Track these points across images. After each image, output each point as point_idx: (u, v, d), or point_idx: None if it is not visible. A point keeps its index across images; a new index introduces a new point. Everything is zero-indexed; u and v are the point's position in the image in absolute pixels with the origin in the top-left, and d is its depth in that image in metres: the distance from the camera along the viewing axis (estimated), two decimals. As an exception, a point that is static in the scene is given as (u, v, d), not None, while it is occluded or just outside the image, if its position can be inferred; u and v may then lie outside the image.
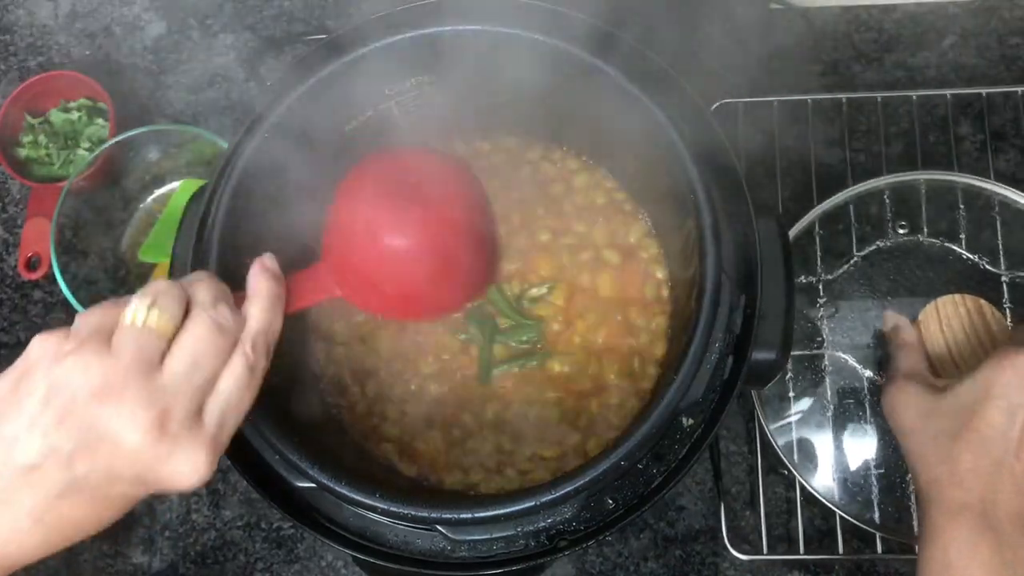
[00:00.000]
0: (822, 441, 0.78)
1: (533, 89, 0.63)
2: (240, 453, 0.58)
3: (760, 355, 0.57)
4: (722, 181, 0.59)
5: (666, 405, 0.53)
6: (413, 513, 0.53)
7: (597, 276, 0.70)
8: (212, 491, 0.85)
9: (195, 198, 0.64)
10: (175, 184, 0.91)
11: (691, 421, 0.56)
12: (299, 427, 0.58)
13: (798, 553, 0.77)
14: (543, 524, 0.54)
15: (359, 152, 0.60)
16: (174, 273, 0.62)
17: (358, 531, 0.57)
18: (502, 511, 0.52)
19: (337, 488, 0.54)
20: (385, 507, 0.53)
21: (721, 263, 0.56)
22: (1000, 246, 0.80)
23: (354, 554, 0.56)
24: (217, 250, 0.58)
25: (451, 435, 0.67)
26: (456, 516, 0.52)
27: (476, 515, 0.52)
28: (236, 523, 0.84)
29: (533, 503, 0.52)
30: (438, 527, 0.53)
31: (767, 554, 0.78)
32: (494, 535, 0.54)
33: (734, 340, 0.57)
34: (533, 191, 0.73)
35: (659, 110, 0.59)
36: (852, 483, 0.77)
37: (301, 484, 0.57)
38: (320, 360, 0.70)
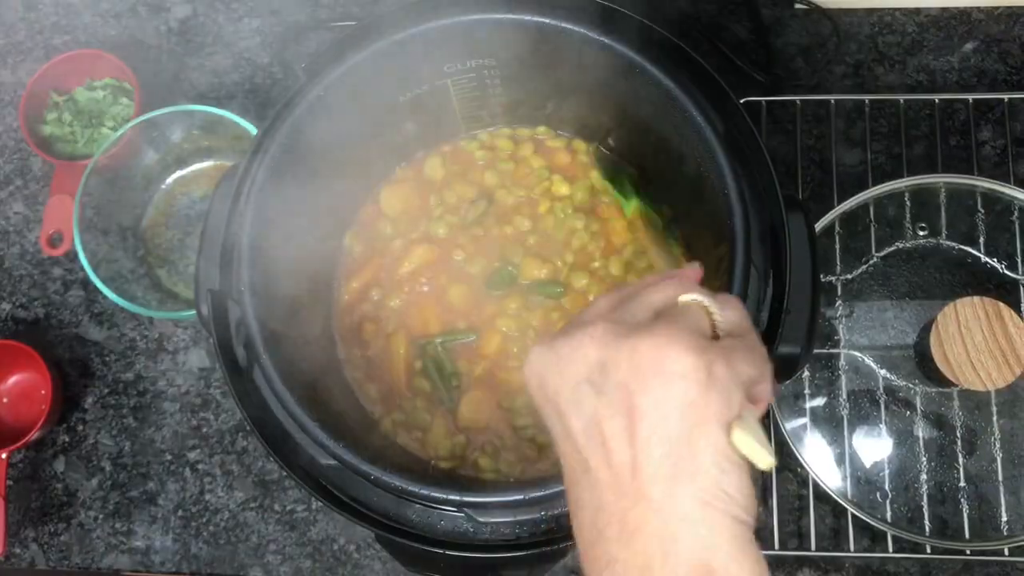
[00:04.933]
0: (835, 439, 0.78)
1: (571, 81, 0.64)
2: (266, 429, 0.58)
3: (785, 349, 0.57)
4: (752, 173, 0.59)
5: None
6: (441, 495, 0.53)
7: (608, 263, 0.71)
8: (226, 472, 0.85)
9: (225, 178, 0.65)
10: (197, 166, 0.92)
11: (715, 412, 0.56)
12: (323, 404, 0.59)
13: (809, 550, 0.78)
14: (568, 509, 0.54)
15: (409, 124, 0.60)
16: (203, 249, 0.62)
17: (381, 511, 0.57)
18: (529, 495, 0.52)
19: (363, 468, 0.55)
20: (413, 488, 0.54)
21: (750, 255, 0.56)
22: (1019, 250, 0.80)
23: (377, 532, 0.56)
24: (250, 225, 0.59)
25: (471, 418, 0.67)
26: (483, 499, 0.53)
27: (503, 498, 0.53)
28: (249, 504, 0.85)
29: (560, 488, 0.52)
30: (465, 509, 0.53)
31: (778, 550, 0.78)
32: (519, 518, 0.54)
33: (760, 334, 0.57)
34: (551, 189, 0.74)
35: (689, 100, 0.60)
36: (865, 481, 0.78)
37: (325, 462, 0.57)
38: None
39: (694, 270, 0.49)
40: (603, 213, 0.73)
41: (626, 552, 0.40)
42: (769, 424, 0.80)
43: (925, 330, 0.76)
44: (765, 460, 0.40)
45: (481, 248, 0.72)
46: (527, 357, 0.44)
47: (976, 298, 0.74)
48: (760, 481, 0.81)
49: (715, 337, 0.43)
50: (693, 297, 0.44)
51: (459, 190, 0.74)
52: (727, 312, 0.44)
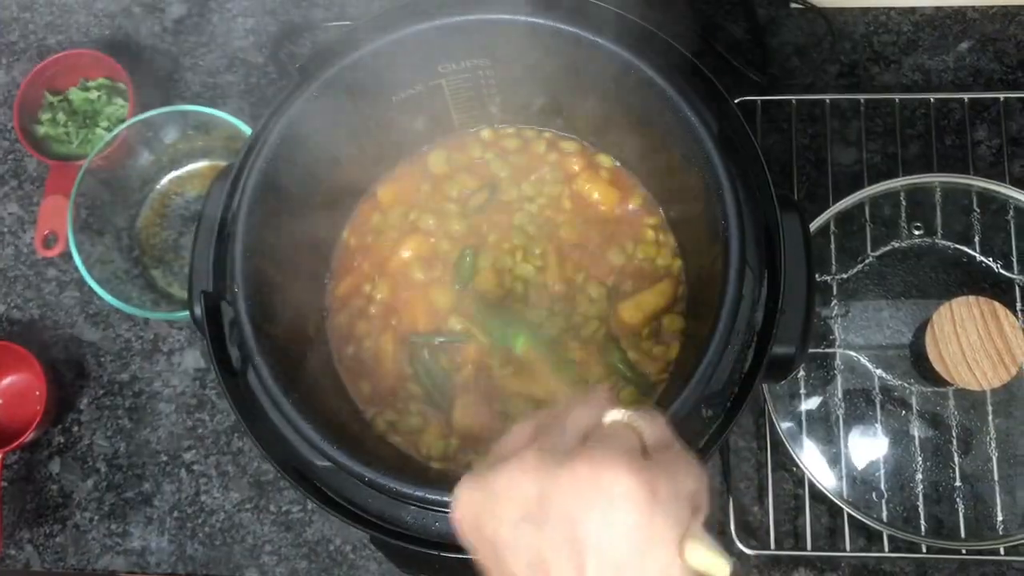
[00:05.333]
0: (831, 439, 0.78)
1: (565, 81, 0.64)
2: (260, 431, 0.58)
3: (780, 349, 0.57)
4: (747, 174, 0.59)
5: (688, 395, 0.54)
6: (436, 497, 0.53)
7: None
8: (222, 473, 0.85)
9: (218, 179, 0.65)
10: (192, 166, 0.92)
11: (710, 412, 0.56)
12: (318, 405, 0.59)
13: (805, 549, 0.78)
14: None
15: (404, 123, 0.61)
16: (196, 250, 0.62)
17: (376, 512, 0.57)
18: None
19: (357, 469, 0.55)
20: (407, 490, 0.54)
21: (744, 256, 0.56)
22: (1014, 250, 0.80)
23: (372, 534, 0.56)
24: (243, 228, 0.58)
25: (466, 416, 0.67)
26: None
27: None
28: (245, 505, 0.85)
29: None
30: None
31: (774, 549, 0.78)
32: (514, 519, 0.54)
33: (755, 333, 0.57)
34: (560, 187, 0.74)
35: (684, 100, 0.60)
36: (860, 481, 0.78)
37: (320, 463, 0.57)
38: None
39: (604, 390, 0.47)
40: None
41: None
42: (764, 423, 0.80)
43: (921, 330, 0.76)
44: (723, 568, 0.39)
45: (473, 242, 0.72)
46: (455, 496, 0.42)
47: (971, 297, 0.74)
48: (757, 480, 0.81)
49: (645, 454, 0.42)
50: (619, 415, 0.43)
51: (462, 182, 0.74)
52: (653, 427, 0.43)
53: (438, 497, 0.53)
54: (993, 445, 0.76)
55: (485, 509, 0.41)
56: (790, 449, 0.77)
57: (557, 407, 0.45)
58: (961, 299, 0.74)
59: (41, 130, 0.91)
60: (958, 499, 0.76)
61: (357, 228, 0.74)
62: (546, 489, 0.39)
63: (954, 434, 0.77)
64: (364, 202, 0.74)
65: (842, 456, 0.78)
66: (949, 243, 0.81)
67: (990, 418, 0.77)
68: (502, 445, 0.44)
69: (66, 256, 0.88)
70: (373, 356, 0.70)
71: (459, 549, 0.55)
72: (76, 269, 0.82)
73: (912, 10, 0.92)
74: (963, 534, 0.76)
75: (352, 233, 0.74)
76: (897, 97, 0.87)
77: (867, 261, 0.81)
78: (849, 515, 0.76)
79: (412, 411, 0.69)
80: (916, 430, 0.78)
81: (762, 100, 0.86)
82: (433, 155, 0.75)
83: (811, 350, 0.79)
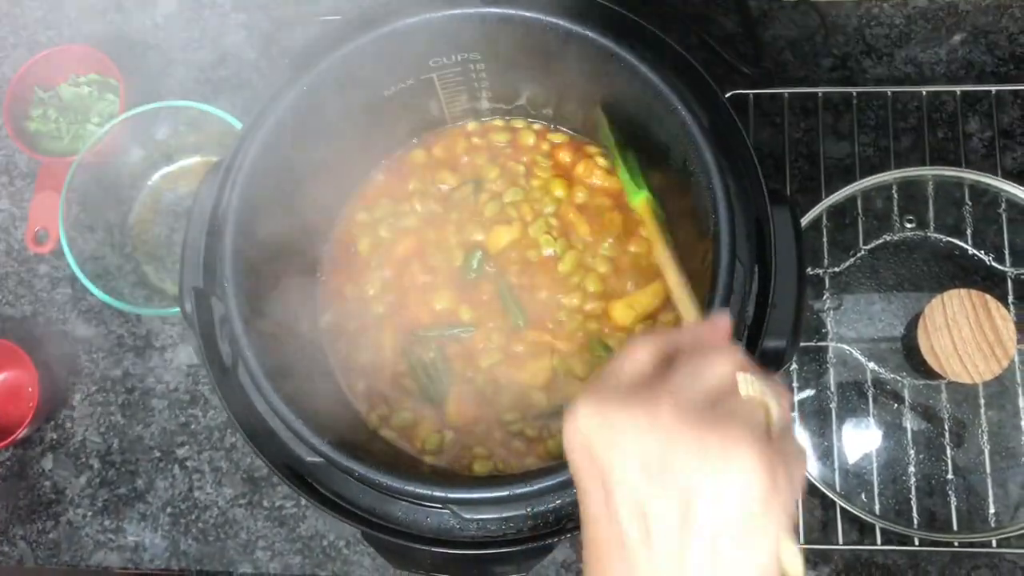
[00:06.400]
0: (823, 432, 0.78)
1: (556, 75, 0.64)
2: (251, 427, 0.58)
3: (771, 343, 0.57)
4: (737, 167, 0.59)
5: (679, 390, 0.54)
6: (426, 492, 0.53)
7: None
8: (215, 468, 0.85)
9: (209, 174, 0.64)
10: (184, 162, 0.91)
11: (702, 407, 0.56)
12: (309, 400, 0.59)
13: (798, 542, 0.77)
14: (553, 505, 0.54)
15: (395, 118, 0.61)
16: (187, 246, 0.62)
17: (367, 508, 0.57)
18: (515, 491, 0.52)
19: (348, 464, 0.55)
20: (397, 485, 0.53)
21: (735, 250, 0.56)
22: (1006, 243, 0.80)
23: (363, 529, 0.56)
24: (233, 224, 0.58)
25: (456, 412, 0.67)
26: (468, 496, 0.53)
27: (488, 495, 0.53)
28: (238, 501, 0.85)
29: (546, 484, 0.52)
30: (450, 506, 0.53)
31: (767, 543, 0.78)
32: (505, 515, 0.54)
33: (746, 327, 0.57)
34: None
35: (674, 94, 0.60)
36: (853, 474, 0.78)
37: (311, 459, 0.57)
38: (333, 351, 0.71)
39: (724, 320, 0.47)
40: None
41: None
42: (758, 417, 0.80)
43: (912, 323, 0.76)
44: (800, 573, 0.40)
45: (462, 237, 0.72)
46: (573, 414, 0.41)
47: (963, 291, 0.74)
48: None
49: (769, 437, 0.41)
50: (755, 391, 0.42)
51: (446, 178, 0.74)
52: (781, 410, 0.42)
53: (428, 492, 0.53)
54: (985, 438, 0.77)
55: (602, 438, 0.40)
56: (783, 442, 0.77)
57: (681, 332, 0.46)
58: (953, 292, 0.74)
59: (32, 126, 0.91)
60: (950, 492, 0.76)
61: (347, 224, 0.74)
62: (671, 447, 0.39)
63: (946, 427, 0.77)
64: (354, 197, 0.74)
65: (834, 449, 0.78)
66: (941, 236, 0.81)
67: (982, 411, 0.77)
68: (624, 366, 0.43)
69: (58, 252, 0.87)
70: (368, 352, 0.70)
71: (450, 544, 0.56)
72: (68, 265, 0.82)
73: (905, 3, 0.92)
74: (955, 526, 0.76)
75: (343, 229, 0.74)
76: (889, 90, 0.87)
77: (859, 254, 0.81)
78: (842, 508, 0.76)
79: (406, 406, 0.69)
80: (908, 423, 0.78)
81: (754, 94, 0.86)
82: (421, 150, 0.75)
83: (803, 343, 0.79)
